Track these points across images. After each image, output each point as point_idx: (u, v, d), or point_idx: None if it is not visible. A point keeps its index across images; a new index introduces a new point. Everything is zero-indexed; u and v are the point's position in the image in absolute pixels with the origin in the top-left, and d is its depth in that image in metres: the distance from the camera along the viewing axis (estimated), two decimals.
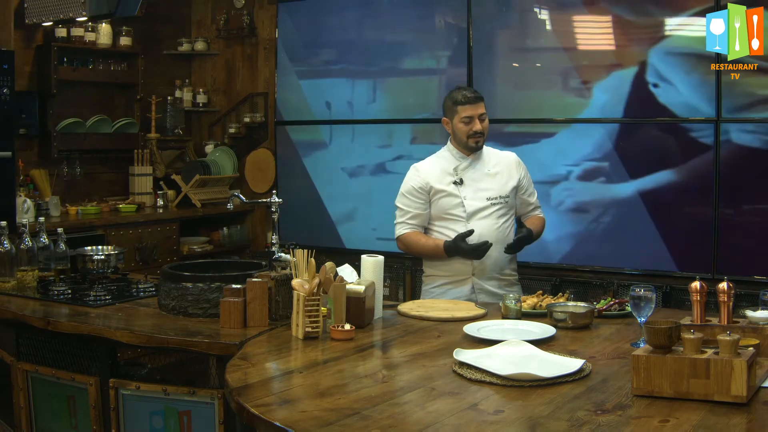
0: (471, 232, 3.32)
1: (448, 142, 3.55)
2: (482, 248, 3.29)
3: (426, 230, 3.51)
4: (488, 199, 3.44)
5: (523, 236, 3.37)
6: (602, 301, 2.93)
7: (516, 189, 3.51)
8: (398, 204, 3.53)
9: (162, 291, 2.95)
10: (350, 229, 5.82)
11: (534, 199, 3.61)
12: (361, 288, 2.68)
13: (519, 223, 3.49)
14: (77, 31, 5.48)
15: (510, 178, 3.50)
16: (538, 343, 2.37)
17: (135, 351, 3.06)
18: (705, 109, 4.56)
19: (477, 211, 3.42)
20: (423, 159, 3.60)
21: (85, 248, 3.52)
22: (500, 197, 3.45)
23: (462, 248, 3.31)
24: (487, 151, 3.54)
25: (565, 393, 1.98)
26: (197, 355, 2.60)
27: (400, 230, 3.51)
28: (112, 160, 5.98)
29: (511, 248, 3.39)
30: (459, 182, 3.44)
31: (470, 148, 3.45)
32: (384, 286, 2.99)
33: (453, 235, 3.39)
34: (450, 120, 3.48)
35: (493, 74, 5.22)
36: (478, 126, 3.41)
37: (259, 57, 6.36)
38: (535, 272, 4.90)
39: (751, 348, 1.97)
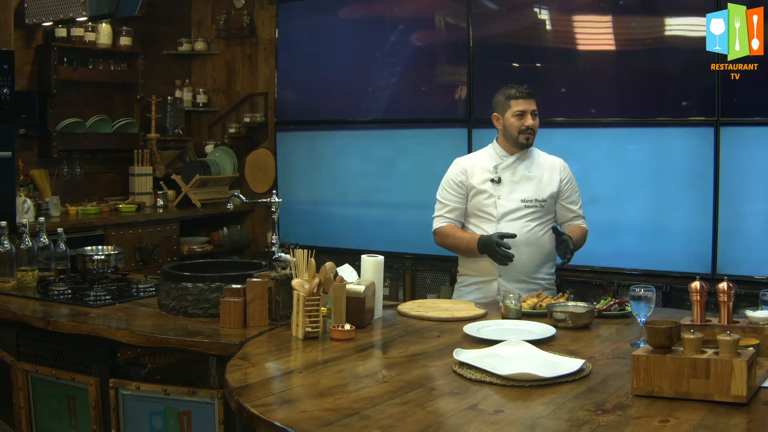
0: (513, 235, 3.28)
1: (494, 140, 3.53)
2: (507, 257, 3.25)
3: (462, 227, 3.50)
4: (522, 201, 3.41)
5: (564, 244, 3.27)
6: (602, 301, 2.93)
7: (556, 195, 3.47)
8: (438, 197, 3.53)
9: (162, 291, 2.95)
10: (350, 229, 5.82)
11: (576, 207, 3.51)
12: (361, 288, 2.68)
13: (556, 231, 3.36)
14: (77, 31, 5.48)
15: (550, 183, 3.45)
16: (538, 343, 2.37)
17: (135, 351, 3.06)
18: (705, 109, 4.56)
19: (508, 212, 3.40)
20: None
21: (85, 248, 3.52)
22: (536, 201, 3.42)
23: (492, 247, 3.26)
24: (533, 152, 3.50)
25: (565, 393, 1.98)
26: (197, 355, 2.60)
27: (437, 223, 3.50)
28: (112, 160, 5.98)
29: (562, 258, 3.31)
30: (497, 181, 3.42)
31: (520, 144, 3.42)
32: (384, 286, 2.99)
33: (483, 234, 3.38)
34: (501, 115, 3.45)
35: (493, 74, 5.21)
36: (530, 121, 3.39)
37: (259, 57, 6.36)
38: None
39: (751, 348, 1.97)
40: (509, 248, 3.25)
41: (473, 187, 3.44)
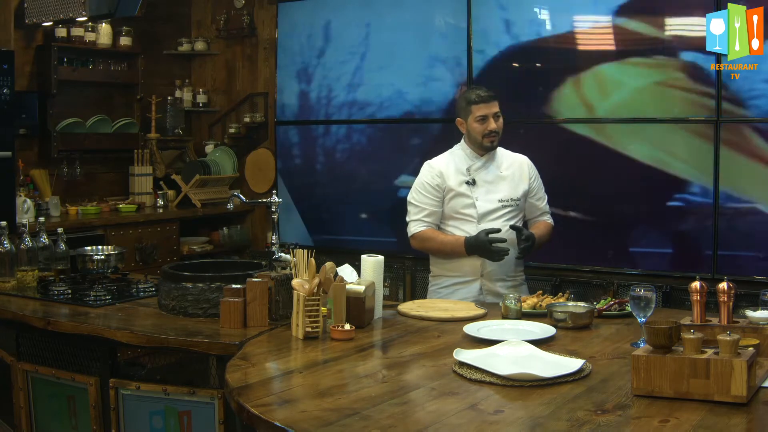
0: (498, 230, 3.29)
1: (462, 141, 3.53)
2: (503, 252, 3.27)
3: (438, 229, 3.49)
4: (500, 201, 3.42)
5: (528, 245, 3.31)
6: (602, 301, 2.93)
7: (527, 192, 3.50)
8: (412, 201, 3.51)
9: (162, 291, 2.95)
10: (350, 229, 5.81)
11: (543, 204, 3.57)
12: (361, 288, 2.68)
13: (517, 229, 3.37)
14: (77, 31, 5.47)
15: (521, 181, 3.48)
16: (538, 343, 2.37)
17: (135, 351, 3.06)
18: (705, 108, 4.56)
19: (488, 212, 3.41)
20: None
21: (85, 248, 3.52)
22: (511, 200, 3.44)
23: (485, 246, 3.26)
24: (500, 152, 3.53)
25: (565, 393, 1.98)
26: (197, 355, 2.60)
27: (414, 228, 3.48)
28: (112, 160, 5.98)
29: (521, 254, 3.36)
30: (471, 183, 3.43)
31: (485, 147, 3.43)
32: (384, 286, 2.99)
33: (464, 235, 3.38)
34: (464, 120, 3.46)
35: (494, 74, 5.21)
36: (492, 125, 3.39)
37: (259, 57, 6.35)
38: (535, 272, 4.89)
39: (751, 348, 1.97)
40: (504, 241, 3.27)
41: (451, 190, 3.44)
